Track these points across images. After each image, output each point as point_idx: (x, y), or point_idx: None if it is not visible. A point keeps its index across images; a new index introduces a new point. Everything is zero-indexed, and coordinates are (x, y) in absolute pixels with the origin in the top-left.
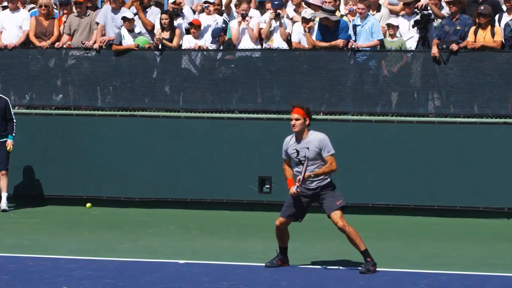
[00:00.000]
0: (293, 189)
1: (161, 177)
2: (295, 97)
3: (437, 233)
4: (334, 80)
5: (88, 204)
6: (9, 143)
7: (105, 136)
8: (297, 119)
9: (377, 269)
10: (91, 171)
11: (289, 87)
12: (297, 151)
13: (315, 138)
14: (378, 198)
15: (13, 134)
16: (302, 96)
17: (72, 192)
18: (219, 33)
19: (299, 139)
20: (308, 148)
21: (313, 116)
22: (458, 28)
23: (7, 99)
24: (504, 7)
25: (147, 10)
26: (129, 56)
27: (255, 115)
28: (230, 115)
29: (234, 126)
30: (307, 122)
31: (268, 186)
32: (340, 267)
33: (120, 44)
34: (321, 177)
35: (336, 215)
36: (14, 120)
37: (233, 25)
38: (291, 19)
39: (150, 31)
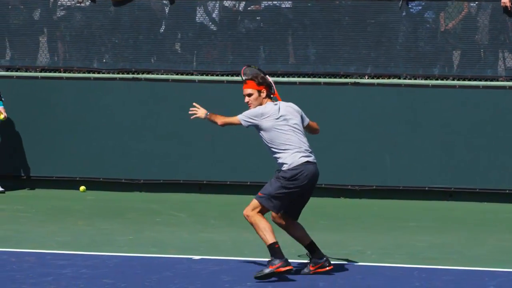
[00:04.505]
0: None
1: (171, 155)
2: (334, 56)
3: (509, 223)
4: (382, 36)
5: (82, 188)
6: (1, 110)
7: (102, 104)
8: (249, 95)
9: (281, 268)
10: (86, 147)
11: (327, 45)
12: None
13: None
14: (436, 180)
15: (3, 99)
16: (342, 56)
17: (63, 173)
18: None
19: None
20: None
21: (357, 80)
22: None
23: None
24: None
25: None
26: (131, 7)
27: (285, 79)
28: None
29: None
30: (263, 94)
31: None
32: (391, 264)
33: None
34: (276, 161)
35: (252, 201)
36: None
37: None
38: None
39: None
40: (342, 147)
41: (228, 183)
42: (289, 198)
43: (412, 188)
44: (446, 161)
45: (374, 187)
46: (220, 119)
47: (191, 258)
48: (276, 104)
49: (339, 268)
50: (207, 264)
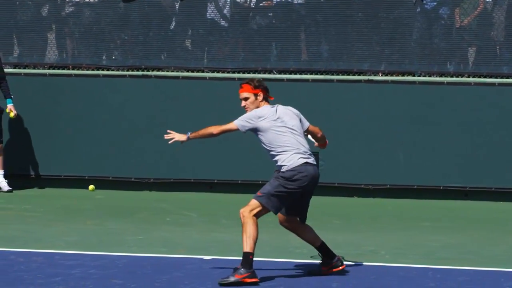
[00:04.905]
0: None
1: (182, 153)
2: (347, 53)
3: None
4: (396, 32)
5: (91, 186)
6: (11, 108)
7: (112, 102)
8: (245, 99)
9: (247, 279)
10: (95, 145)
11: (340, 41)
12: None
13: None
14: (451, 179)
15: (12, 97)
16: (356, 52)
17: (71, 172)
18: None
19: None
20: None
21: (370, 77)
22: None
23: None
24: None
25: None
26: (141, 3)
27: (297, 76)
28: (266, 75)
29: (272, 89)
30: (260, 97)
31: None
32: (405, 265)
33: None
34: (275, 163)
35: (251, 200)
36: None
37: None
38: None
39: None
40: (356, 146)
41: (239, 182)
42: (290, 199)
43: (426, 187)
44: (462, 159)
45: (388, 186)
46: (216, 129)
47: (202, 258)
48: (273, 107)
49: (352, 268)
50: (218, 264)
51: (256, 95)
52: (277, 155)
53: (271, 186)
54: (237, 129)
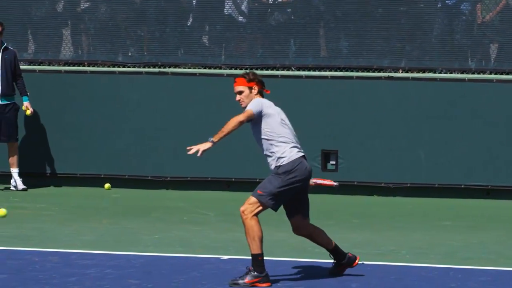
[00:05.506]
0: None
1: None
2: (367, 50)
3: None
4: (417, 28)
5: (107, 185)
6: (27, 105)
7: (128, 99)
8: (240, 92)
9: (259, 284)
10: (111, 143)
11: (360, 37)
12: None
13: None
14: (473, 177)
15: (28, 94)
16: (375, 49)
17: (87, 170)
18: None
19: None
20: None
21: (391, 74)
22: None
23: (15, 50)
24: None
25: None
26: None
27: (317, 73)
28: (285, 72)
29: (291, 86)
30: (255, 91)
31: (333, 162)
32: (426, 264)
33: None
34: (267, 157)
35: (250, 198)
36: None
37: None
38: None
39: None
40: (375, 144)
41: (257, 180)
42: (291, 193)
43: (447, 186)
44: (483, 157)
45: (408, 185)
46: (241, 116)
47: (219, 258)
48: (269, 101)
49: (372, 268)
50: (236, 264)
51: (250, 88)
52: (276, 145)
53: (272, 184)
54: (253, 114)
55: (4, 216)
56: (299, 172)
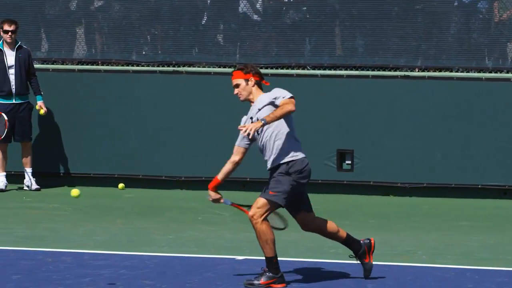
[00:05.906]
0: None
1: (213, 151)
2: (383, 48)
3: None
4: (433, 27)
5: (121, 185)
6: (41, 105)
7: (142, 98)
8: (237, 86)
9: (275, 285)
10: (124, 143)
11: (376, 36)
12: (251, 120)
13: (266, 94)
14: (490, 177)
15: (42, 93)
16: (391, 47)
17: (100, 170)
18: None
19: (252, 106)
20: (259, 108)
21: (407, 73)
22: None
23: (29, 49)
24: None
25: None
26: None
27: (332, 72)
28: (300, 71)
29: (306, 85)
30: (251, 82)
31: (349, 162)
32: (442, 265)
33: None
34: (273, 155)
35: (259, 201)
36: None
37: None
38: None
39: None
40: (391, 143)
41: None
42: (296, 192)
43: (464, 186)
44: (500, 157)
45: (424, 185)
46: (290, 108)
47: (234, 258)
48: None
49: (389, 269)
50: (251, 265)
51: (247, 80)
52: (294, 140)
53: (283, 184)
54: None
55: (77, 196)
56: (307, 173)
